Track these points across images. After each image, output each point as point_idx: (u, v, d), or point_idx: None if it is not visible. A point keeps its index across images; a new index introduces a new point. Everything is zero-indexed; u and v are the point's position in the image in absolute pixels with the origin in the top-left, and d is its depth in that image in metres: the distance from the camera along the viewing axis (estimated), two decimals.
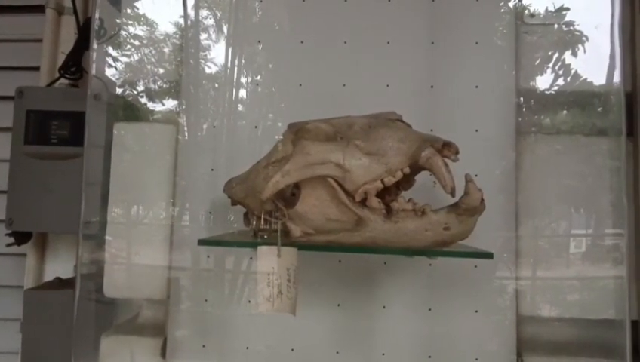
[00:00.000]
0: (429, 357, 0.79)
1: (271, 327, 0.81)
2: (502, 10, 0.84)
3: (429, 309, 0.80)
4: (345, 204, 0.56)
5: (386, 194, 0.62)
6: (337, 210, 0.56)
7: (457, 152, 0.57)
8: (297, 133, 0.61)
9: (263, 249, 0.54)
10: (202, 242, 0.59)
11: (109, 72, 0.95)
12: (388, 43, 0.85)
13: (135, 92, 0.94)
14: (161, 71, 0.91)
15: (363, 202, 0.56)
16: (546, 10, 0.87)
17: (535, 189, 0.82)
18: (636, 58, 0.87)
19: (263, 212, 0.57)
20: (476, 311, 0.80)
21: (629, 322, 0.79)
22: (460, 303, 0.80)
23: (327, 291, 0.81)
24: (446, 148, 0.56)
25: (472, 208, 0.53)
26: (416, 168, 0.57)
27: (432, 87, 0.84)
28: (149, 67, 0.92)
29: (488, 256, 0.58)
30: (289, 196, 0.60)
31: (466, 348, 0.79)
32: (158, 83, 0.92)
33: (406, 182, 0.62)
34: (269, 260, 0.53)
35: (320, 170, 0.54)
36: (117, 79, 0.95)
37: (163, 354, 0.81)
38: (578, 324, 0.84)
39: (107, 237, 0.89)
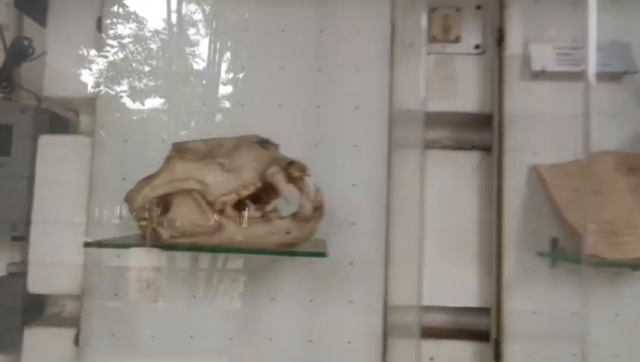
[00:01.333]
0: (310, 341, 0.92)
1: (172, 317, 0.92)
2: (380, 40, 0.97)
3: (311, 300, 0.93)
4: (206, 213, 0.67)
5: (259, 202, 0.75)
6: (201, 217, 0.68)
7: (303, 170, 0.69)
8: (178, 150, 0.73)
9: (134, 250, 0.65)
10: (88, 244, 0.70)
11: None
12: (282, 68, 0.97)
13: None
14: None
15: (222, 211, 0.68)
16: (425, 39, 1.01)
17: (405, 198, 0.96)
18: (502, 84, 1.01)
19: (139, 218, 0.68)
20: (350, 302, 0.93)
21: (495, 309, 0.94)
22: (337, 295, 0.93)
23: (221, 285, 0.93)
24: (291, 167, 0.68)
25: (306, 216, 0.65)
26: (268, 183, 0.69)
27: (318, 107, 0.96)
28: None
29: (322, 254, 0.70)
30: (166, 204, 0.71)
31: (341, 333, 0.92)
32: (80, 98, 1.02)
33: (270, 193, 0.74)
34: (139, 259, 0.64)
35: (183, 185, 0.66)
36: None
37: (77, 342, 0.92)
38: (441, 312, 0.99)
39: (31, 239, 0.98)
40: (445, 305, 0.99)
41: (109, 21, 1.00)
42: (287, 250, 0.68)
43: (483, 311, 0.98)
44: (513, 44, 0.97)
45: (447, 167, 1.01)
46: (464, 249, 0.99)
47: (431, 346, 0.96)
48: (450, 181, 1.00)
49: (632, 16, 0.96)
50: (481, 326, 0.98)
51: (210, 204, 0.67)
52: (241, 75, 0.97)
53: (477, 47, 1.01)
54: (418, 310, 0.89)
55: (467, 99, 1.00)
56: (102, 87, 0.99)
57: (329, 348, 0.93)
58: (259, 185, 0.67)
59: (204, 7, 1.04)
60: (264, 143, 0.72)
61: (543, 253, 0.91)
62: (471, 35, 1.00)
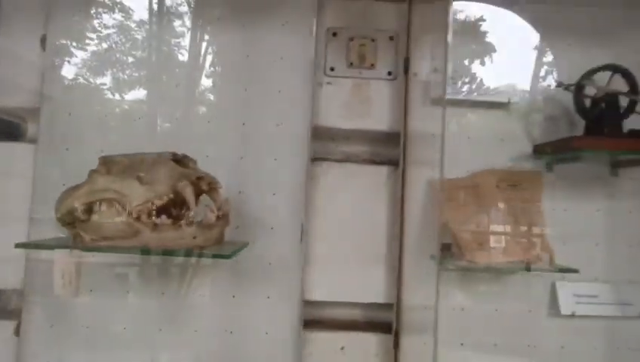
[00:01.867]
0: (231, 332, 1.04)
1: (106, 310, 1.02)
2: (302, 66, 1.09)
3: (233, 296, 1.04)
4: (124, 219, 0.78)
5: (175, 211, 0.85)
6: (121, 223, 0.78)
7: (210, 183, 0.80)
8: (105, 163, 0.83)
9: (57, 251, 0.74)
10: (18, 245, 0.79)
11: None
12: (213, 85, 1.08)
13: None
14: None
15: (138, 218, 0.78)
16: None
17: (322, 206, 1.08)
18: (407, 108, 1.14)
19: (64, 223, 0.78)
20: (268, 297, 1.04)
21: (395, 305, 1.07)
22: (257, 291, 1.04)
23: (153, 282, 1.03)
24: (200, 181, 0.79)
25: (209, 224, 0.77)
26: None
27: (243, 124, 1.07)
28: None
29: (227, 257, 0.81)
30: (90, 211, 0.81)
31: (260, 325, 1.04)
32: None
33: (182, 204, 0.85)
34: (63, 259, 0.74)
35: (102, 195, 0.76)
36: None
37: (17, 333, 1.01)
38: (352, 307, 1.12)
39: None
40: (356, 301, 1.12)
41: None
42: (196, 252, 0.79)
43: (388, 306, 1.12)
44: (418, 72, 1.10)
45: (362, 179, 1.13)
46: (374, 252, 1.11)
47: (342, 337, 1.09)
48: (364, 191, 1.12)
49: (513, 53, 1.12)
50: (386, 320, 1.11)
51: (128, 212, 0.77)
52: (175, 93, 1.08)
53: (389, 73, 1.13)
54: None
55: (380, 119, 1.13)
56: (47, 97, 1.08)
57: (248, 339, 1.05)
58: (171, 196, 0.78)
59: None
60: (179, 159, 0.83)
61: (434, 257, 1.04)
62: (385, 63, 1.13)
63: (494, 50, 1.13)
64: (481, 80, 1.12)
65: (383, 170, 1.13)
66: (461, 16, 1.19)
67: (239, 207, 1.06)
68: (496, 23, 1.18)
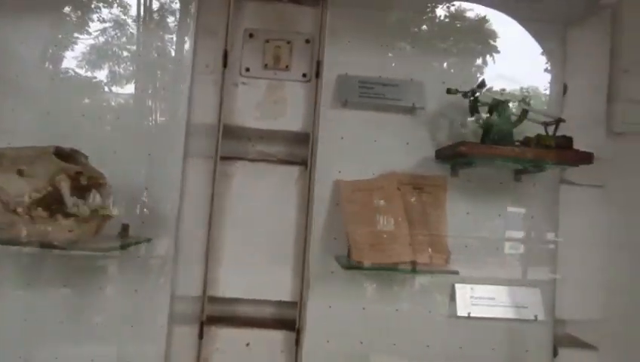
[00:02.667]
0: (131, 326, 1.05)
1: (8, 301, 1.03)
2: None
3: (135, 290, 1.06)
4: (2, 211, 0.79)
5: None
6: (1, 214, 0.80)
7: (91, 178, 0.81)
8: None
9: None
10: None
11: None
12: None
13: None
14: None
15: (15, 210, 0.79)
16: None
17: (233, 205, 1.09)
18: (317, 110, 1.16)
19: None
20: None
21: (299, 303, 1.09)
22: (159, 286, 1.06)
23: (55, 276, 1.04)
24: (80, 176, 0.80)
25: (84, 218, 0.78)
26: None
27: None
28: None
29: (105, 250, 0.82)
30: None
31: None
32: None
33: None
34: None
35: None
36: None
37: None
38: (259, 304, 1.13)
39: None
40: (264, 299, 1.13)
41: None
42: (75, 246, 0.81)
43: (294, 304, 1.13)
44: (329, 75, 1.12)
45: (274, 178, 1.15)
46: (282, 250, 1.12)
47: (248, 334, 1.10)
48: (275, 190, 1.14)
49: (427, 59, 1.14)
50: (293, 317, 1.13)
51: (5, 204, 0.78)
52: None
53: (304, 75, 1.15)
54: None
55: (294, 120, 1.15)
56: None
57: (147, 331, 1.06)
58: (49, 189, 0.79)
59: None
60: (67, 154, 0.84)
61: (337, 257, 1.06)
62: (300, 65, 1.15)
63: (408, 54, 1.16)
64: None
65: (295, 170, 1.15)
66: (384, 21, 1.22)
67: (145, 204, 1.07)
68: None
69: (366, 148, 1.11)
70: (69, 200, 0.77)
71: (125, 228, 1.04)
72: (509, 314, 1.08)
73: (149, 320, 1.05)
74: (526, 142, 0.99)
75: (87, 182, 0.80)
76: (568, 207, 1.15)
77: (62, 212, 0.80)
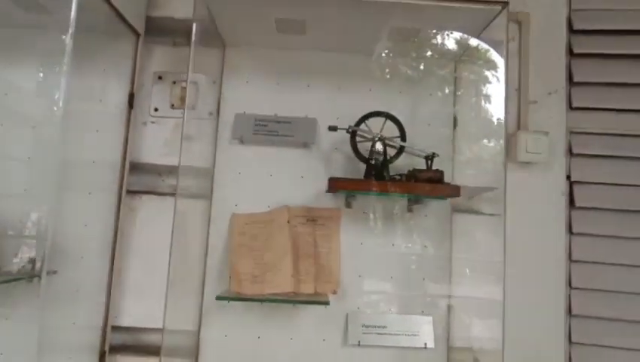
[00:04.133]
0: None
1: None
2: (120, 107, 1.18)
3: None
4: None
5: None
6: None
7: None
8: None
9: None
10: None
11: None
12: (33, 128, 1.17)
13: None
14: None
15: None
16: None
17: (138, 237, 1.15)
18: (216, 146, 1.22)
19: None
20: (74, 323, 1.11)
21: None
22: (64, 316, 1.11)
23: None
24: None
25: None
26: None
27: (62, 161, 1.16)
28: None
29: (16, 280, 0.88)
30: None
31: (64, 349, 1.10)
32: None
33: None
34: None
35: None
36: None
37: None
38: (158, 333, 1.17)
39: None
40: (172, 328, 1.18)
41: None
42: None
43: (193, 332, 1.17)
44: (227, 114, 1.19)
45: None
46: (189, 280, 1.17)
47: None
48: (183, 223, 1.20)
49: (322, 96, 1.20)
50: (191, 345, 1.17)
51: None
52: None
53: (210, 113, 1.22)
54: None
55: (200, 155, 1.22)
56: None
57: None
58: None
59: None
60: None
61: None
62: (205, 104, 1.23)
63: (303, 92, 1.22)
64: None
65: (200, 204, 1.21)
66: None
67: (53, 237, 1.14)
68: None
69: (262, 183, 1.17)
70: None
71: (32, 261, 1.10)
72: (399, 342, 1.11)
73: (54, 349, 1.10)
74: (407, 176, 1.04)
75: None
76: (462, 235, 1.18)
77: None
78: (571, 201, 1.25)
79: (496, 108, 1.24)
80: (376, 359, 1.12)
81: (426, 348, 1.10)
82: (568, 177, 1.27)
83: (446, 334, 1.14)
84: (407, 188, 0.97)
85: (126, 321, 1.15)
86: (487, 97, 1.25)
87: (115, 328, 1.14)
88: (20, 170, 1.14)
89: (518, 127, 1.25)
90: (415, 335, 1.11)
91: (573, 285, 1.20)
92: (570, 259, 1.23)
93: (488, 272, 1.14)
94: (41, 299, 1.06)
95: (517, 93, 1.28)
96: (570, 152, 1.25)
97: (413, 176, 1.01)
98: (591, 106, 1.25)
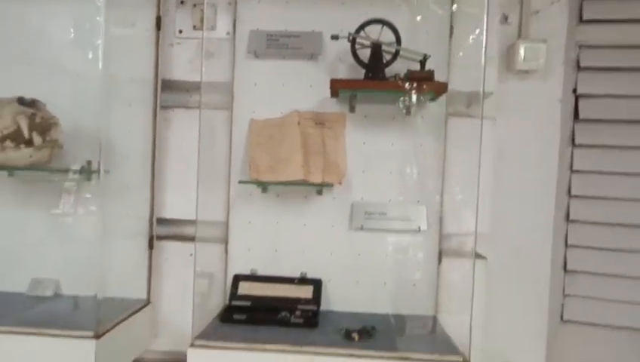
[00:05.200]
0: None
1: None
2: (149, 29, 1.34)
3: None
4: None
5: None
6: None
7: (43, 117, 1.09)
8: None
9: None
10: None
11: None
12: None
13: None
14: None
15: None
16: None
17: (174, 144, 1.35)
18: (234, 61, 1.37)
19: None
20: (126, 214, 1.35)
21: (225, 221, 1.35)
22: (117, 208, 1.35)
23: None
24: (35, 116, 1.08)
25: (39, 146, 1.06)
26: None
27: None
28: None
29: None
30: None
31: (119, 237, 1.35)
32: None
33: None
34: None
35: None
36: None
37: None
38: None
39: None
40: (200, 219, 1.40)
41: None
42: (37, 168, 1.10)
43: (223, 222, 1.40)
44: (242, 31, 1.33)
45: (207, 121, 1.39)
46: (218, 176, 1.37)
47: (189, 246, 1.37)
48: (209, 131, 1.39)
49: (328, 11, 1.31)
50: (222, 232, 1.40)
51: None
52: None
53: (228, 33, 1.37)
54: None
55: (220, 71, 1.38)
56: None
57: (110, 248, 1.36)
58: (15, 127, 1.08)
59: None
60: (27, 102, 1.12)
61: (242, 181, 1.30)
62: (224, 25, 1.36)
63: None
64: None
65: (223, 113, 1.39)
66: None
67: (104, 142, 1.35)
68: None
69: (275, 92, 1.33)
70: (27, 132, 1.06)
71: (89, 163, 1.33)
72: (396, 226, 1.29)
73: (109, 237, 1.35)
74: (402, 78, 1.17)
75: (41, 121, 1.08)
76: (456, 136, 1.32)
77: (24, 143, 1.09)
78: (576, 115, 1.34)
79: (492, 16, 1.32)
80: (376, 240, 1.32)
81: (419, 230, 1.28)
82: (574, 90, 1.35)
83: (438, 221, 1.32)
84: (398, 86, 1.10)
85: (168, 214, 1.39)
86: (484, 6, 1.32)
87: (160, 220, 1.38)
88: (72, 84, 1.35)
89: (519, 37, 1.33)
90: (410, 220, 1.29)
91: (572, 193, 1.33)
92: (571, 169, 1.35)
93: (480, 167, 1.28)
94: (101, 191, 1.30)
95: (519, 2, 1.35)
96: (577, 66, 1.33)
97: (407, 77, 1.14)
98: (601, 18, 1.30)
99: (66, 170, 1.20)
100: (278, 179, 1.20)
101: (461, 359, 1.03)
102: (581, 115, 1.33)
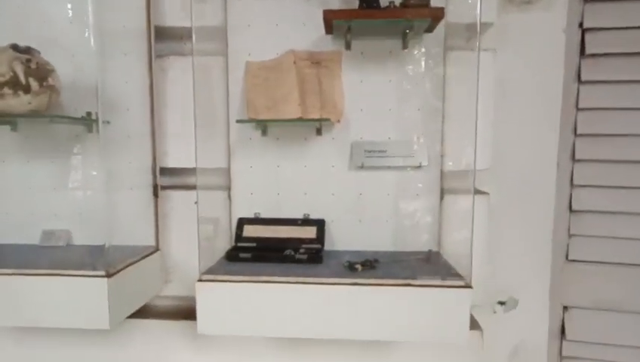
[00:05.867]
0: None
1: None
2: None
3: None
4: None
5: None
6: None
7: (38, 63, 1.09)
8: None
9: None
10: None
11: None
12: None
13: None
14: None
15: None
16: None
17: (171, 91, 1.35)
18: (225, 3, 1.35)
19: None
20: (130, 162, 1.37)
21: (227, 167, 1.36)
22: (120, 158, 1.37)
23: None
24: (30, 62, 1.08)
25: (36, 92, 1.06)
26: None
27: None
28: None
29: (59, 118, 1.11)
30: None
31: (123, 186, 1.37)
32: None
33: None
34: None
35: None
36: None
37: None
38: (200, 171, 1.42)
39: None
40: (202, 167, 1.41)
41: None
42: (33, 116, 1.11)
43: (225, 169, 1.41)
44: None
45: (202, 67, 1.38)
46: (217, 123, 1.37)
47: (194, 194, 1.40)
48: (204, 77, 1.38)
49: None
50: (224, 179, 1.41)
51: None
52: None
53: None
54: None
55: (213, 14, 1.35)
56: None
57: (114, 198, 1.38)
58: (11, 74, 1.08)
59: None
60: (22, 50, 1.12)
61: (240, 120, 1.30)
62: None
63: None
64: None
65: (218, 59, 1.37)
66: None
67: (103, 93, 1.36)
68: None
69: (269, 33, 1.31)
70: (23, 78, 1.06)
71: (89, 113, 1.34)
72: (397, 162, 1.29)
73: (112, 187, 1.37)
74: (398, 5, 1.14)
75: (36, 67, 1.09)
76: (455, 70, 1.29)
77: (22, 89, 1.10)
78: (582, 51, 1.30)
79: None
80: (377, 178, 1.32)
81: (420, 166, 1.28)
82: (580, 24, 1.31)
83: (439, 157, 1.31)
84: (393, 14, 1.07)
85: (171, 163, 1.41)
86: None
87: (163, 169, 1.40)
88: (66, 34, 1.34)
89: None
90: (411, 156, 1.28)
91: (578, 132, 1.30)
92: (577, 107, 1.31)
93: (480, 101, 1.26)
94: (103, 141, 1.31)
95: None
96: None
97: (402, 4, 1.11)
98: None
99: (67, 118, 1.21)
100: (277, 117, 1.20)
101: (463, 283, 1.05)
102: (587, 50, 1.29)
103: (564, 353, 1.39)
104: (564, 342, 1.37)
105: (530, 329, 1.39)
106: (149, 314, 1.45)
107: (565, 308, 1.37)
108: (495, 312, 1.41)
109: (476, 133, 1.12)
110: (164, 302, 1.45)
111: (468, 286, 1.05)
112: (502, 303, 1.40)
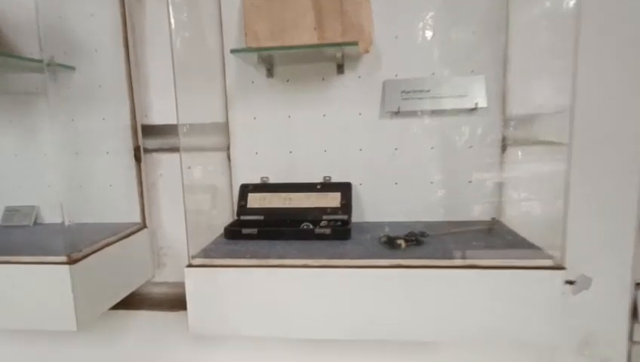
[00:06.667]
0: (76, 153, 1.11)
1: None
2: None
3: (72, 120, 1.10)
4: None
5: None
6: None
7: None
8: None
9: None
10: None
11: None
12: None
13: None
14: None
15: None
16: None
17: (152, 35, 1.05)
18: None
19: None
20: (103, 119, 1.09)
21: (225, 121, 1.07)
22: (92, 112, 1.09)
23: None
24: None
25: None
26: None
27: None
28: None
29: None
30: None
31: (99, 145, 1.10)
32: None
33: None
34: None
35: None
36: None
37: None
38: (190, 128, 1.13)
39: None
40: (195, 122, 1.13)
41: None
42: None
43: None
44: None
45: None
46: (209, 62, 1.08)
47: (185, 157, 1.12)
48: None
49: None
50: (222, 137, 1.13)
51: None
52: None
53: None
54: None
55: None
56: None
57: (90, 159, 1.12)
58: None
59: None
60: None
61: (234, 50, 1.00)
62: None
63: None
64: None
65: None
66: None
67: (62, 31, 1.07)
68: None
69: None
70: None
71: (51, 58, 1.07)
72: (445, 105, 0.97)
73: (89, 147, 1.11)
74: None
75: None
76: None
77: None
78: None
79: None
80: (418, 127, 1.01)
81: (476, 108, 0.97)
82: None
83: (501, 97, 0.99)
84: None
85: (156, 120, 1.12)
86: None
87: (146, 128, 1.12)
88: None
89: None
90: (463, 96, 0.96)
91: None
92: None
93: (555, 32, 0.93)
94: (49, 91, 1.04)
95: None
96: None
97: None
98: None
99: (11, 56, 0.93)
100: (284, 43, 0.89)
101: (552, 262, 0.76)
102: None
103: (635, 337, 1.09)
104: (635, 326, 1.08)
105: (604, 313, 1.09)
106: (141, 305, 1.20)
107: (638, 284, 1.07)
108: (563, 293, 1.12)
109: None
110: (158, 290, 1.20)
111: (560, 267, 0.76)
112: (570, 282, 1.10)
